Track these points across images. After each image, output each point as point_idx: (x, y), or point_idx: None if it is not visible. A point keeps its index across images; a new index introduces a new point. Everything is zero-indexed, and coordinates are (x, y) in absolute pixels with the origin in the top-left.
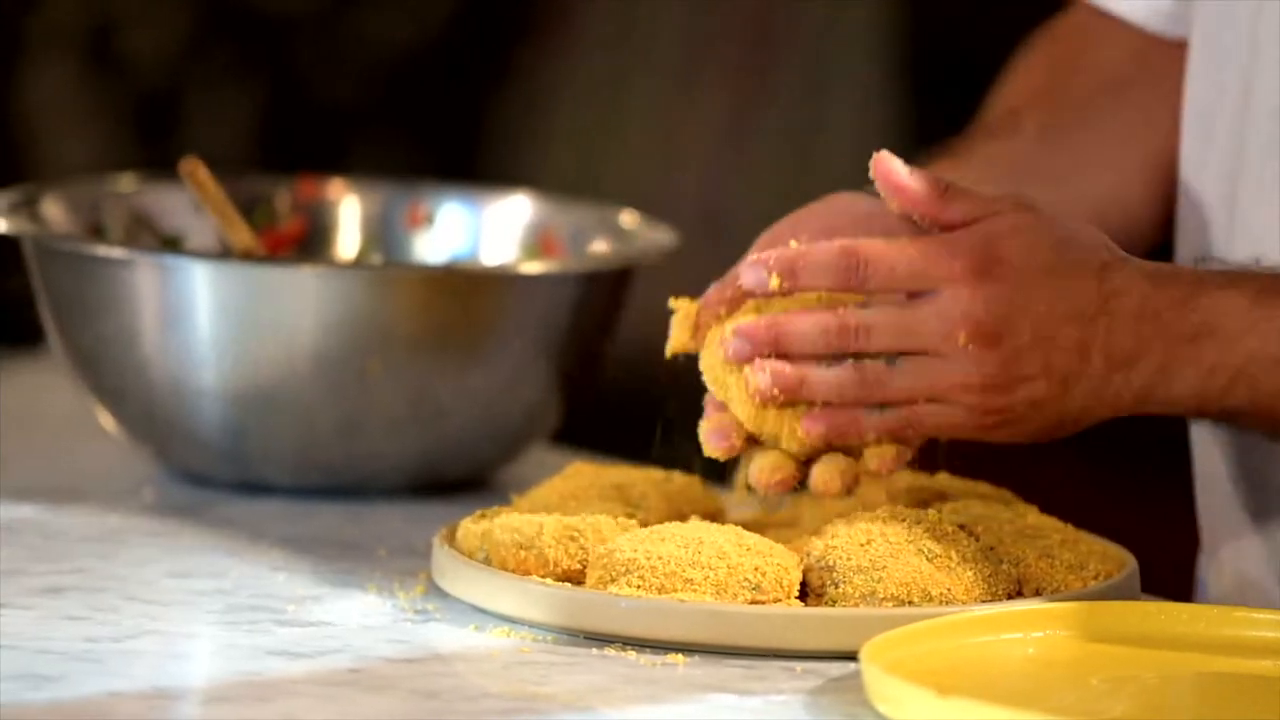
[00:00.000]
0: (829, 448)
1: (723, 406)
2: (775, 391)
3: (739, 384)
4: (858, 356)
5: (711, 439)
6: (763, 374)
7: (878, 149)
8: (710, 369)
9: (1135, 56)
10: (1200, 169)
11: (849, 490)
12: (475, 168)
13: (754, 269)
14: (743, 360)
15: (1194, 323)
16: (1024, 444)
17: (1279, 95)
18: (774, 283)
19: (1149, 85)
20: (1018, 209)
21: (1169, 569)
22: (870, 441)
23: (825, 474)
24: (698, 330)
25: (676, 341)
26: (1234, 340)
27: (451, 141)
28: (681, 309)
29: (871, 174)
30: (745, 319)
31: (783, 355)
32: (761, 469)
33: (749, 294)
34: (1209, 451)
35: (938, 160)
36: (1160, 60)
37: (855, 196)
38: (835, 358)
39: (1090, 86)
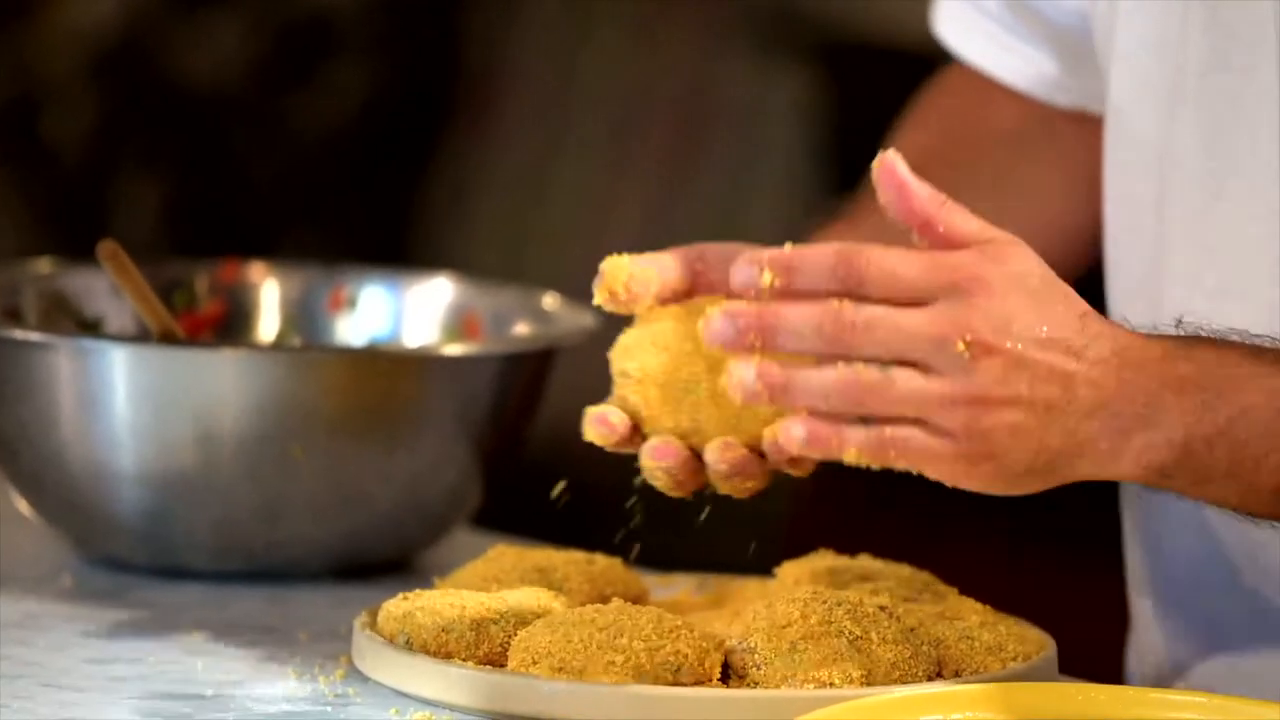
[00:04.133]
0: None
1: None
2: (759, 388)
3: (707, 373)
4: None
5: (596, 425)
6: (747, 369)
7: (802, 228)
8: (659, 347)
9: (1023, 120)
10: (1125, 250)
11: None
12: (401, 252)
13: (747, 267)
14: (724, 344)
15: (1180, 373)
16: (993, 496)
17: (1194, 161)
18: (766, 279)
19: (1038, 149)
20: (1010, 241)
21: (1087, 651)
22: (850, 457)
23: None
24: (630, 300)
25: (600, 295)
26: (1223, 394)
27: (377, 226)
28: (613, 265)
29: (874, 175)
30: (736, 304)
31: (769, 348)
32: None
33: (737, 293)
34: (1139, 540)
35: (832, 224)
36: (1048, 125)
37: None
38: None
39: (981, 150)
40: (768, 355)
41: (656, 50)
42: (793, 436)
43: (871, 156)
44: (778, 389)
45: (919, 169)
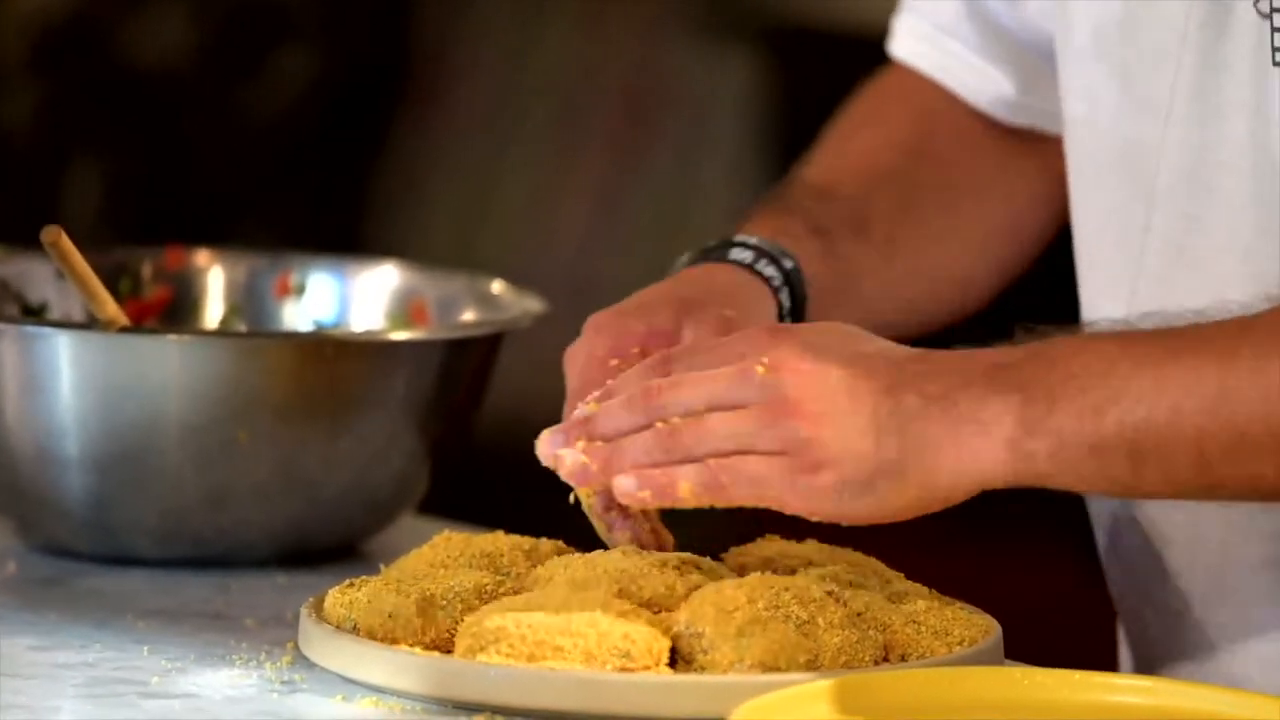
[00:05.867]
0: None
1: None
2: (591, 465)
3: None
4: None
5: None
6: (574, 454)
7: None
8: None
9: (977, 136)
10: (1099, 280)
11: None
12: (351, 239)
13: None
14: (553, 449)
15: (1002, 379)
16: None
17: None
18: (591, 407)
19: (989, 165)
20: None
21: (1033, 635)
22: (685, 493)
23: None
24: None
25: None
26: (1050, 399)
27: (327, 213)
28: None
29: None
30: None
31: (592, 438)
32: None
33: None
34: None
35: (764, 209)
36: (1000, 142)
37: (696, 275)
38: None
39: (935, 163)
40: None
41: (604, 37)
42: (624, 488)
43: (818, 140)
44: (605, 461)
45: (873, 176)
